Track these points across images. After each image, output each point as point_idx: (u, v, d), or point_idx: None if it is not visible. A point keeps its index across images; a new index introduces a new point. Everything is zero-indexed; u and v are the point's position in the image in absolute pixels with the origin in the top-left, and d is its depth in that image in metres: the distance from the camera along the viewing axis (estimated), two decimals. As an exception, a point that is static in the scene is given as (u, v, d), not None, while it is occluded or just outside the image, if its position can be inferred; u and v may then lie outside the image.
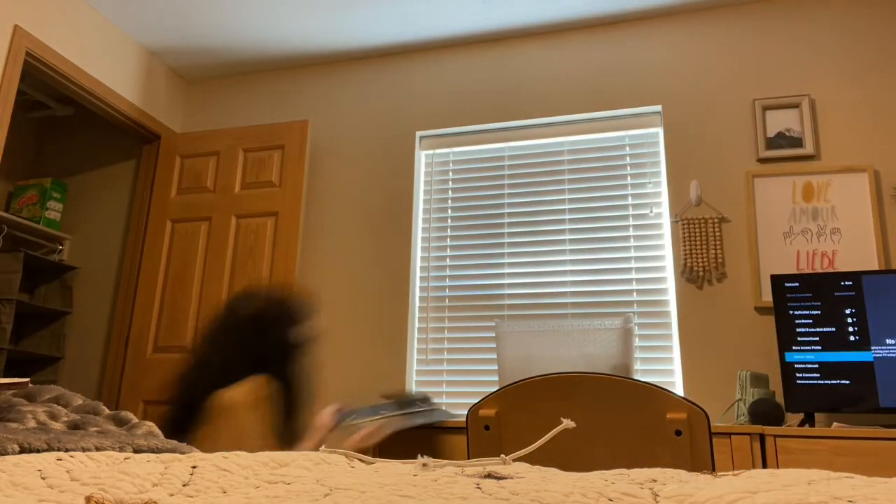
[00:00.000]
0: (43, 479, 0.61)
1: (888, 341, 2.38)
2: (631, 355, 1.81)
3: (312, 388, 1.84)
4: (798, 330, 2.48)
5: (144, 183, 3.74)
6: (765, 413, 2.37)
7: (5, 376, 3.61)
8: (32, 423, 0.99)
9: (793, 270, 2.80)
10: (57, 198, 3.90)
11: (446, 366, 3.18)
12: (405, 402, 2.23)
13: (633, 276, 3.06)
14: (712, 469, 1.32)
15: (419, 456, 0.79)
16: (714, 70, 3.16)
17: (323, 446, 0.90)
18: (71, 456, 0.70)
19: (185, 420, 1.66)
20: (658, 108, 3.20)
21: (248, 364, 1.72)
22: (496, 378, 3.07)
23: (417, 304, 3.31)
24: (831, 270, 2.75)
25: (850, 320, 2.43)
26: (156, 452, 0.94)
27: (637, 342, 2.98)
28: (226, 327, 1.78)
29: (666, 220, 3.08)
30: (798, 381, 2.43)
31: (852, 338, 2.41)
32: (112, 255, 3.83)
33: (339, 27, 3.47)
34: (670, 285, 3.00)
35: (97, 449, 0.87)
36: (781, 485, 0.55)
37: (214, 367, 1.72)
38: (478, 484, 0.63)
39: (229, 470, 0.68)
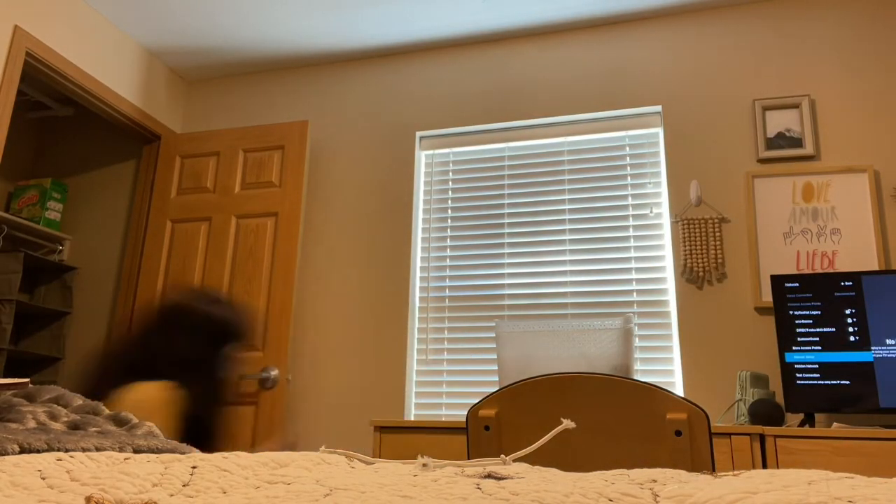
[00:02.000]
0: (43, 479, 0.61)
1: (888, 341, 2.38)
2: (631, 355, 1.81)
3: (225, 414, 1.65)
4: (798, 330, 2.48)
5: (144, 183, 3.74)
6: (765, 413, 2.37)
7: (5, 376, 3.61)
8: (32, 424, 0.98)
9: (793, 271, 2.80)
10: (57, 198, 3.90)
11: (446, 366, 3.18)
12: None
13: (633, 276, 3.06)
14: (712, 469, 1.32)
15: (419, 456, 0.79)
16: (714, 70, 3.16)
17: (323, 447, 0.90)
18: (71, 456, 0.70)
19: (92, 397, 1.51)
20: (658, 108, 3.20)
21: (167, 362, 1.58)
22: (496, 378, 3.07)
23: (417, 304, 3.31)
24: (831, 271, 2.75)
25: (850, 320, 2.43)
26: (156, 453, 0.94)
27: (637, 342, 2.98)
28: (157, 320, 1.63)
29: (666, 221, 3.08)
30: (798, 382, 2.43)
31: (852, 338, 2.41)
32: (112, 255, 3.83)
33: (339, 27, 3.47)
34: (670, 285, 3.00)
35: (97, 449, 0.87)
36: (781, 485, 0.55)
37: (134, 357, 1.58)
38: (478, 484, 0.63)
39: (229, 470, 0.68)
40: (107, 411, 1.15)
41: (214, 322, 1.65)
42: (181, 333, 1.61)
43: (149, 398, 1.51)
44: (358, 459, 0.84)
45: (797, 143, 2.94)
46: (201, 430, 1.60)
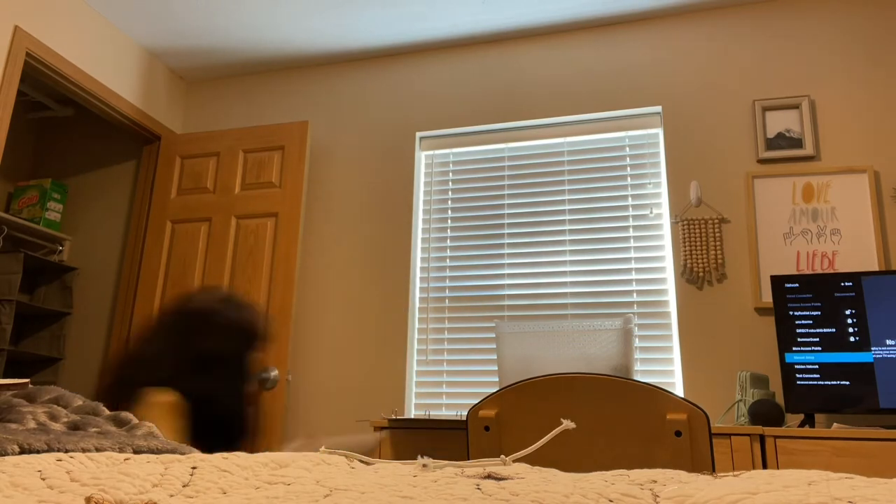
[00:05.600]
0: (43, 479, 0.61)
1: (888, 342, 2.38)
2: (631, 356, 1.81)
3: (257, 411, 1.63)
4: (798, 331, 2.48)
5: (144, 184, 3.74)
6: (765, 414, 2.37)
7: (5, 377, 3.61)
8: (32, 424, 0.98)
9: (793, 271, 2.80)
10: (57, 198, 3.90)
11: (446, 366, 3.18)
12: None
13: (633, 276, 3.06)
14: (712, 470, 1.32)
15: (419, 457, 0.79)
16: (714, 70, 3.16)
17: (323, 447, 0.90)
18: (71, 457, 0.70)
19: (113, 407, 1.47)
20: (658, 108, 3.20)
21: (177, 363, 1.55)
22: (496, 378, 3.07)
23: (417, 304, 3.31)
24: (831, 271, 2.75)
25: (850, 321, 2.43)
26: (156, 453, 0.94)
27: (637, 342, 2.98)
28: (170, 321, 1.62)
29: (666, 221, 3.08)
30: (798, 382, 2.43)
31: (852, 338, 2.41)
32: (112, 255, 3.83)
33: (339, 27, 3.47)
34: (670, 286, 3.00)
35: (97, 450, 0.87)
36: (781, 485, 0.55)
37: (148, 359, 1.55)
38: (478, 485, 0.63)
39: (229, 471, 0.68)
40: (106, 412, 1.15)
41: (243, 324, 1.67)
42: (213, 335, 1.60)
43: (159, 403, 1.47)
44: (358, 460, 0.84)
45: (797, 143, 2.94)
46: (237, 427, 1.57)
